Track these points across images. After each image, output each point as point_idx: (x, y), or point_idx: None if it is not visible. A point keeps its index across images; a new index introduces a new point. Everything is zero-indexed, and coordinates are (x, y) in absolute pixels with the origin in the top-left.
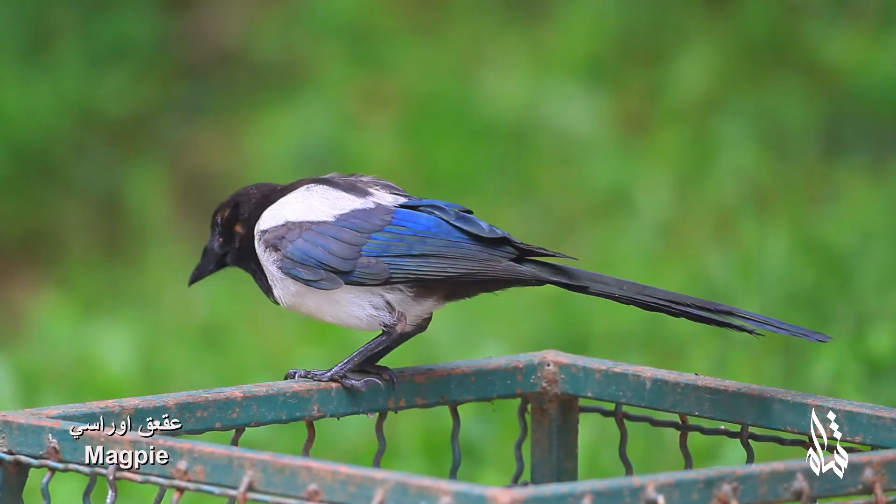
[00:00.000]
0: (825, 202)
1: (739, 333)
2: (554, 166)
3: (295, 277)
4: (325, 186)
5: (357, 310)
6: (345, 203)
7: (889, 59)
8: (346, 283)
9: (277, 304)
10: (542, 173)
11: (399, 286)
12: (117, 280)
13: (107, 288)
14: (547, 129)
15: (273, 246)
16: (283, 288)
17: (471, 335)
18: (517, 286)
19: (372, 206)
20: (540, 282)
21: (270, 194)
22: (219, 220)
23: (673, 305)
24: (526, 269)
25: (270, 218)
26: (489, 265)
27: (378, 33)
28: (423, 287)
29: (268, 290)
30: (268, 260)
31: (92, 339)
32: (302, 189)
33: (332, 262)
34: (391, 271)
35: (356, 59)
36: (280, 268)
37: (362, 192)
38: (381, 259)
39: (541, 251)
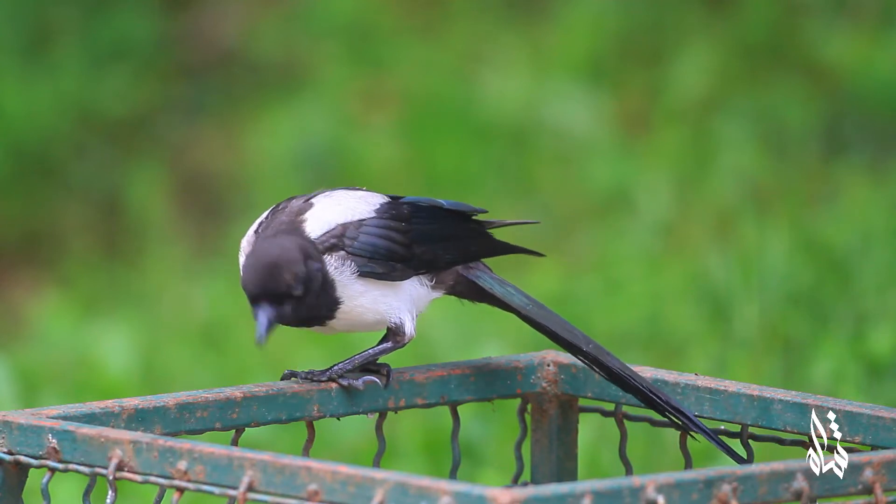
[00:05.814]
0: (825, 202)
1: (739, 333)
2: (554, 166)
3: (369, 274)
4: (340, 189)
5: (402, 303)
6: (372, 199)
7: (889, 59)
8: (415, 274)
9: (324, 326)
10: (542, 173)
11: (424, 278)
12: (117, 280)
13: (107, 288)
14: (547, 129)
15: (332, 247)
16: (348, 294)
17: (471, 335)
18: (490, 302)
19: (388, 199)
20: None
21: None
22: (297, 287)
23: (630, 379)
24: (514, 245)
25: (316, 227)
26: (494, 241)
27: (378, 33)
28: (439, 277)
29: (320, 315)
30: (333, 263)
31: (92, 339)
32: (320, 198)
33: (399, 251)
34: (439, 257)
35: (356, 59)
36: (353, 265)
37: (368, 190)
38: (427, 246)
39: (501, 222)
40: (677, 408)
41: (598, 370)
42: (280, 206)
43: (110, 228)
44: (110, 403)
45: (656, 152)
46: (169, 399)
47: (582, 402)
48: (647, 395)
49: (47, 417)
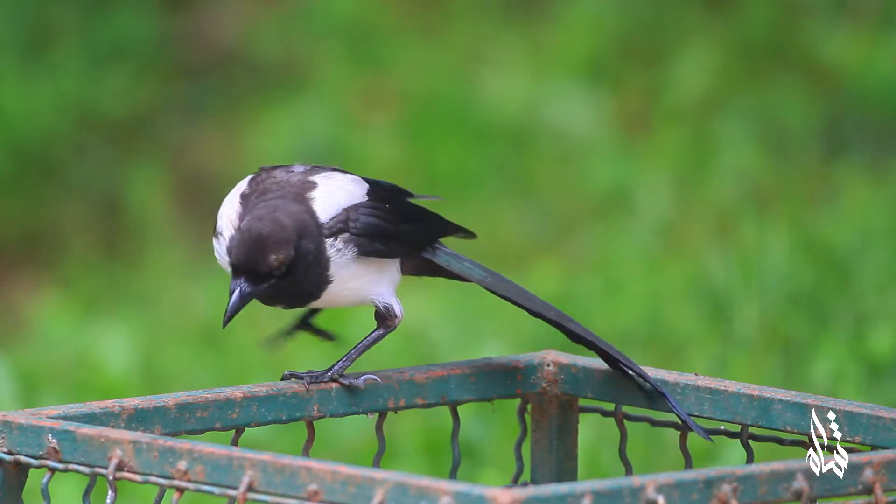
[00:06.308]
0: (825, 202)
1: (739, 333)
2: (554, 166)
3: (372, 253)
4: (335, 171)
5: (386, 287)
6: (360, 181)
7: (889, 59)
8: (410, 252)
9: (308, 305)
10: (542, 173)
11: (398, 261)
12: (117, 280)
13: (107, 288)
14: (547, 129)
15: (338, 231)
16: (343, 273)
17: (471, 335)
18: (447, 276)
19: (370, 181)
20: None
21: (295, 201)
22: (283, 269)
23: (594, 343)
24: (460, 225)
25: (324, 210)
26: (446, 222)
27: (378, 33)
28: (405, 259)
29: (309, 293)
30: (337, 246)
31: (92, 339)
32: (322, 178)
33: (392, 231)
34: (418, 237)
35: (356, 59)
36: (356, 247)
37: (345, 171)
38: (408, 225)
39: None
40: (640, 373)
41: (563, 334)
42: (264, 177)
43: (110, 228)
44: (110, 403)
45: (656, 152)
46: (169, 399)
47: (582, 402)
48: (612, 358)
49: (47, 417)
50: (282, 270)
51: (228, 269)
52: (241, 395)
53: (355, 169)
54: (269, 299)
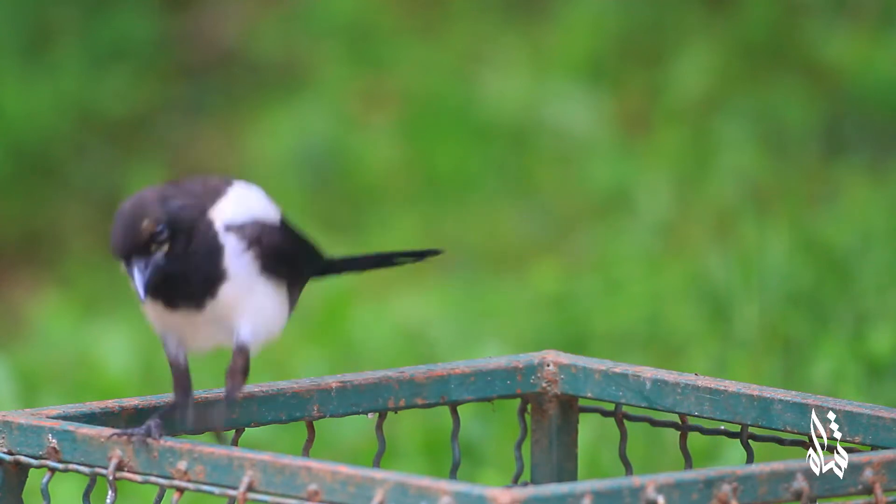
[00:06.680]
0: (825, 202)
1: (739, 333)
2: (554, 166)
3: (272, 273)
4: (250, 185)
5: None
6: (276, 208)
7: (889, 59)
8: (307, 281)
9: (199, 309)
10: (542, 173)
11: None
12: (117, 280)
13: (107, 288)
14: (547, 129)
15: (249, 240)
16: (237, 285)
17: (471, 335)
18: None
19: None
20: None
21: (205, 192)
22: (160, 230)
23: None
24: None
25: (236, 213)
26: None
27: (378, 33)
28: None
29: (201, 293)
30: (240, 255)
31: (92, 339)
32: (240, 187)
33: (299, 259)
34: (311, 269)
35: (356, 59)
36: (260, 264)
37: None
38: (306, 257)
39: None
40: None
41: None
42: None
43: (110, 228)
44: (110, 403)
45: (656, 152)
46: (169, 399)
47: (582, 402)
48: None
49: (47, 417)
50: (161, 235)
51: (126, 271)
52: (241, 395)
53: (355, 168)
54: (171, 290)
